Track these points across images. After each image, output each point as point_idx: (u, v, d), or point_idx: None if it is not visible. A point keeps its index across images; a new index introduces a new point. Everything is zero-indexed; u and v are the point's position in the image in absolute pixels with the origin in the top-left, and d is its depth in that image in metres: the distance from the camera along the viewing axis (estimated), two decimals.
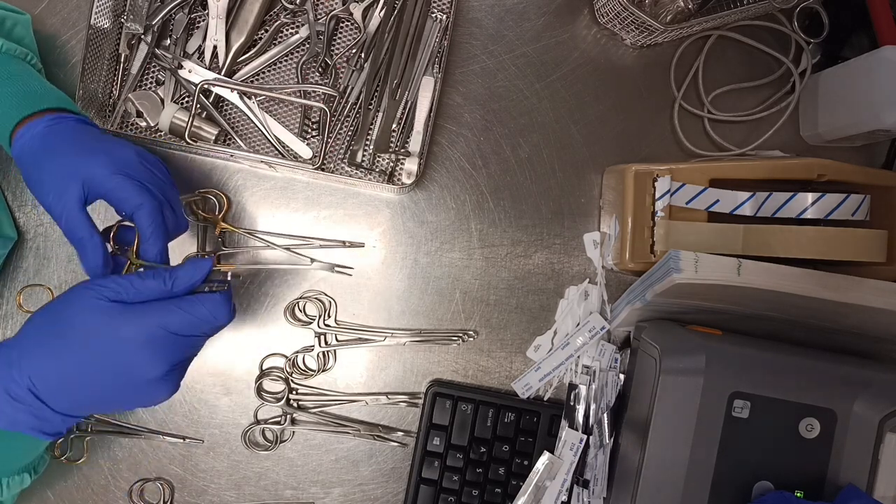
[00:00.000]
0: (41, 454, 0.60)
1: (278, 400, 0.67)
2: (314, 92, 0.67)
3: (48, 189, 0.52)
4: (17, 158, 0.55)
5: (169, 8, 0.65)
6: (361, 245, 0.68)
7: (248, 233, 0.67)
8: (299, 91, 0.66)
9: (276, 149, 0.67)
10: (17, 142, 0.54)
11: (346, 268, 0.67)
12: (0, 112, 0.55)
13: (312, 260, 0.67)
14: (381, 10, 0.67)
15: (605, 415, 0.64)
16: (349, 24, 0.68)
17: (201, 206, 0.67)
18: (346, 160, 0.67)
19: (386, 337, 0.68)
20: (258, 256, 0.68)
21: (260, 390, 0.67)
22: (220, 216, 0.66)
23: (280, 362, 0.68)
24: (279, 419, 0.67)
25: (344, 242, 0.68)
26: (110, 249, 0.55)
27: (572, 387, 0.66)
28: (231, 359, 0.68)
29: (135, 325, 0.47)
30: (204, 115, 0.67)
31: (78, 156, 0.53)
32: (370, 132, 0.67)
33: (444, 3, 0.68)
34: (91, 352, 0.47)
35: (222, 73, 0.66)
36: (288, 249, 0.67)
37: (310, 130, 0.68)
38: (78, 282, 0.50)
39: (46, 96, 0.57)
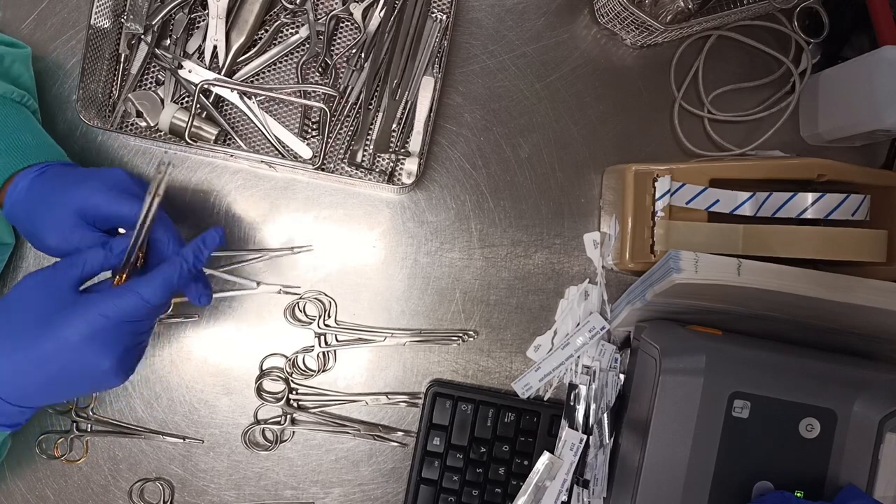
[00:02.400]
0: (3, 439, 0.58)
1: (278, 400, 0.67)
2: (314, 92, 0.67)
3: (49, 232, 0.52)
4: (8, 216, 0.55)
5: (169, 8, 0.65)
6: (310, 248, 0.67)
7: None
8: (299, 91, 0.66)
9: (276, 149, 0.67)
10: (7, 200, 0.55)
11: (293, 287, 0.67)
12: None
13: (258, 283, 0.67)
14: (381, 10, 0.67)
15: (605, 415, 0.64)
16: (349, 24, 0.68)
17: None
18: (346, 160, 0.67)
19: (386, 337, 0.68)
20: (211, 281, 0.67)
21: (260, 390, 0.67)
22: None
23: (280, 362, 0.68)
24: (279, 419, 0.67)
25: (292, 249, 0.67)
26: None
27: (572, 387, 0.66)
28: (231, 359, 0.68)
29: (74, 323, 0.47)
30: (204, 115, 0.67)
31: (68, 189, 0.53)
32: (370, 132, 0.67)
33: (444, 3, 0.68)
34: (38, 352, 0.47)
35: (222, 73, 0.66)
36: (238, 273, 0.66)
37: (310, 130, 0.68)
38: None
39: (38, 150, 0.57)
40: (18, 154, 0.55)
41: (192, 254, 0.52)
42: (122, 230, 0.56)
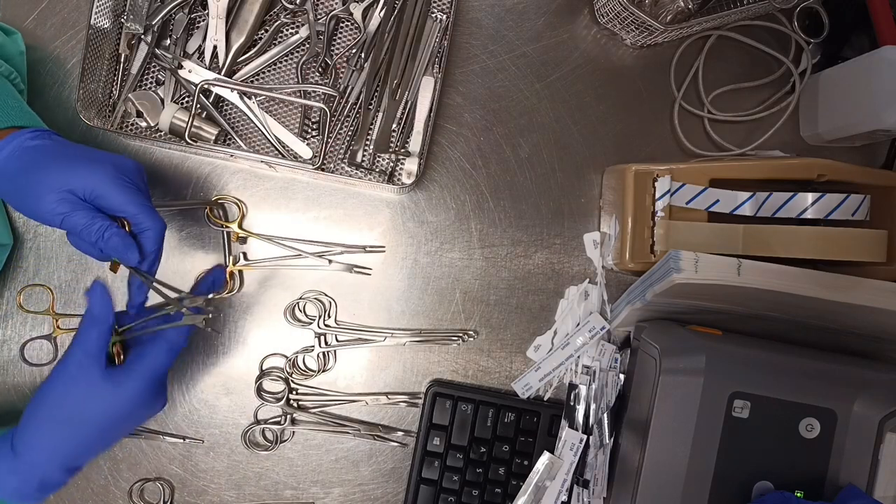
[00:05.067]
0: None
1: (278, 400, 0.67)
2: (314, 92, 0.67)
3: (42, 196, 0.52)
4: None
5: (169, 8, 0.65)
6: (382, 249, 0.68)
7: (268, 239, 0.67)
8: (299, 91, 0.66)
9: (276, 149, 0.67)
10: None
11: (365, 268, 0.68)
12: None
13: (331, 261, 0.67)
14: (381, 10, 0.67)
15: (605, 415, 0.64)
16: (349, 24, 0.68)
17: (218, 213, 0.67)
18: (346, 160, 0.67)
19: (386, 337, 0.68)
20: (272, 256, 0.68)
21: (260, 390, 0.67)
22: (237, 222, 0.66)
23: (280, 362, 0.68)
24: (279, 419, 0.67)
25: (364, 248, 0.68)
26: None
27: (572, 387, 0.66)
28: (231, 359, 0.68)
29: (131, 397, 0.53)
30: (204, 115, 0.67)
31: (73, 162, 0.53)
32: (370, 132, 0.67)
33: (444, 3, 0.68)
34: (101, 431, 0.53)
35: (222, 73, 0.66)
36: (321, 256, 0.67)
37: (310, 130, 0.68)
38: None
39: (22, 114, 0.56)
40: (2, 113, 0.55)
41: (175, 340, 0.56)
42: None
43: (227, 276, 0.66)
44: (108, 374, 0.52)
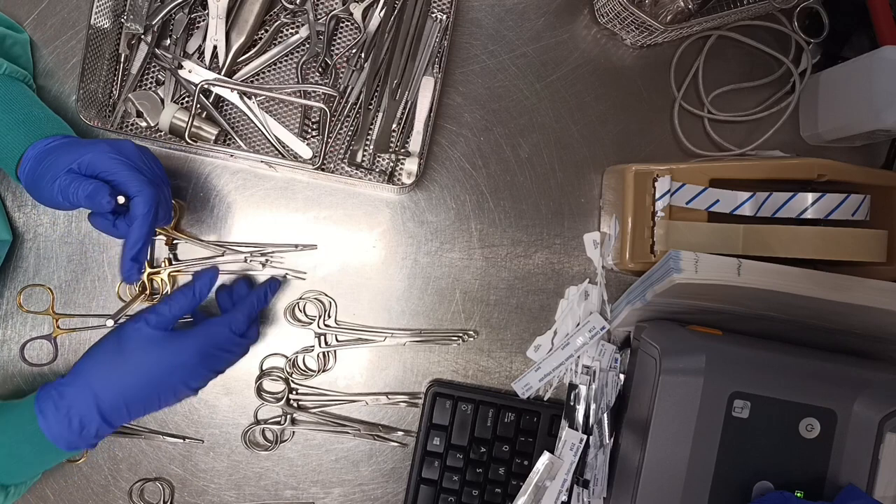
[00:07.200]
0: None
1: (278, 400, 0.67)
2: (314, 92, 0.67)
3: (47, 185, 0.54)
4: (25, 186, 0.57)
5: (169, 8, 0.65)
6: (314, 247, 0.68)
7: (198, 241, 0.67)
8: (299, 91, 0.66)
9: (276, 149, 0.67)
10: (21, 169, 0.56)
11: (300, 272, 0.67)
12: (6, 142, 0.57)
13: (263, 265, 0.67)
14: (381, 10, 0.67)
15: (605, 415, 0.64)
16: (349, 24, 0.68)
17: None
18: (346, 160, 0.67)
19: (386, 337, 0.68)
20: (215, 264, 0.67)
21: (260, 390, 0.67)
22: (172, 224, 0.66)
23: (280, 362, 0.68)
24: (279, 419, 0.67)
25: (297, 246, 0.68)
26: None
27: (572, 387, 0.66)
28: None
29: (191, 349, 0.57)
30: (204, 115, 0.67)
31: (78, 147, 0.55)
32: (370, 132, 0.67)
33: (444, 3, 0.68)
34: (151, 378, 0.56)
35: (222, 73, 0.66)
36: (252, 257, 0.67)
37: (310, 130, 0.68)
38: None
39: (49, 123, 0.59)
40: (33, 127, 0.57)
41: (264, 294, 0.63)
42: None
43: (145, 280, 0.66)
44: (166, 334, 0.56)
